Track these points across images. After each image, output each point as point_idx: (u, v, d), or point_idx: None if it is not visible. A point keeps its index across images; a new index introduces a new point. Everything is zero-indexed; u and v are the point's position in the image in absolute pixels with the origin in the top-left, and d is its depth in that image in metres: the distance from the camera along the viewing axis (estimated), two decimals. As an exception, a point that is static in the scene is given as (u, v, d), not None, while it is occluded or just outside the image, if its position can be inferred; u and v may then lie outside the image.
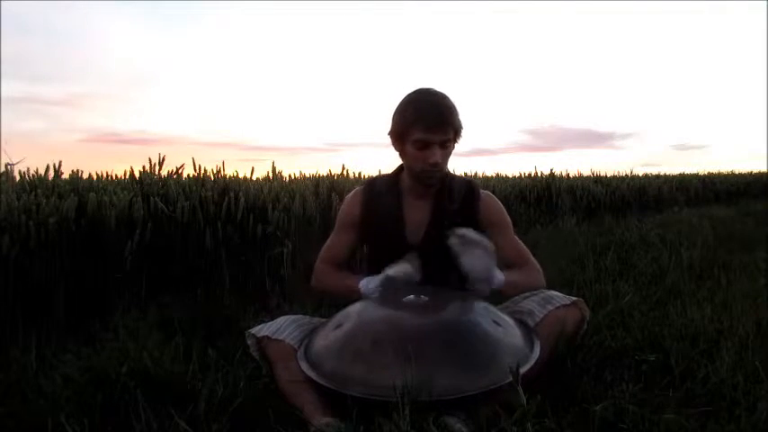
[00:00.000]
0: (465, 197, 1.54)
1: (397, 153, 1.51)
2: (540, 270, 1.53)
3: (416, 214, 1.53)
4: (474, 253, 1.33)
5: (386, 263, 1.43)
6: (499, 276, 1.38)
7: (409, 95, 1.46)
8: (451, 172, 1.58)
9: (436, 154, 1.41)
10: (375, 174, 3.81)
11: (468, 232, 1.35)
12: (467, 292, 1.36)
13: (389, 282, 1.38)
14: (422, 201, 1.53)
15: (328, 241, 1.63)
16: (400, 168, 1.57)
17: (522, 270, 1.50)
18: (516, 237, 1.58)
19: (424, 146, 1.41)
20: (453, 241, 1.34)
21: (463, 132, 1.47)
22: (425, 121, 1.39)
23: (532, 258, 1.55)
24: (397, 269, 1.39)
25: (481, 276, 1.33)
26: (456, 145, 1.48)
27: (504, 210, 1.59)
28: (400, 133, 1.44)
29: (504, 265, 1.48)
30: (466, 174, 5.52)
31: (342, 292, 1.51)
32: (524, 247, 1.57)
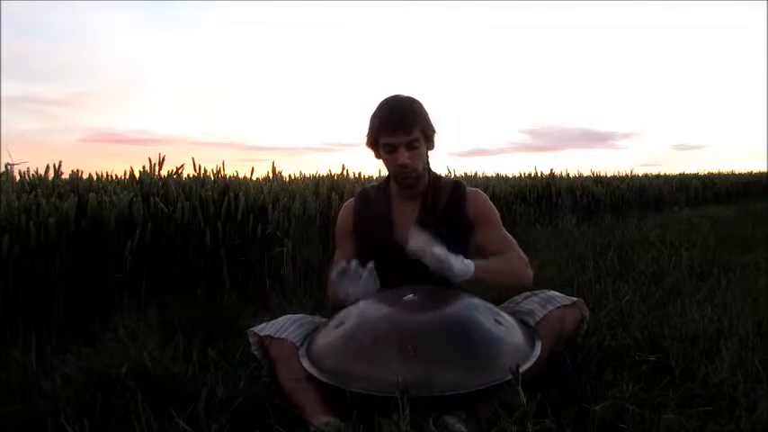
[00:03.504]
0: (451, 197, 1.57)
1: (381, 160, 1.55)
2: (527, 261, 1.52)
3: (405, 216, 1.55)
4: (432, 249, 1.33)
5: (376, 264, 1.43)
6: (465, 262, 1.36)
7: (378, 105, 1.52)
8: (437, 174, 1.61)
9: (403, 155, 1.47)
10: (375, 174, 3.85)
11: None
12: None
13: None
14: (410, 203, 1.57)
15: (335, 255, 1.65)
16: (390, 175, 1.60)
17: (501, 257, 1.49)
18: (506, 232, 1.58)
19: (392, 149, 1.48)
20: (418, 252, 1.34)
21: (436, 131, 1.51)
22: (388, 125, 1.47)
23: (519, 249, 1.55)
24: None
25: (435, 262, 1.32)
26: (431, 144, 1.52)
27: (492, 206, 1.61)
28: (372, 141, 1.53)
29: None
30: (466, 174, 5.54)
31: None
32: (513, 240, 1.57)
